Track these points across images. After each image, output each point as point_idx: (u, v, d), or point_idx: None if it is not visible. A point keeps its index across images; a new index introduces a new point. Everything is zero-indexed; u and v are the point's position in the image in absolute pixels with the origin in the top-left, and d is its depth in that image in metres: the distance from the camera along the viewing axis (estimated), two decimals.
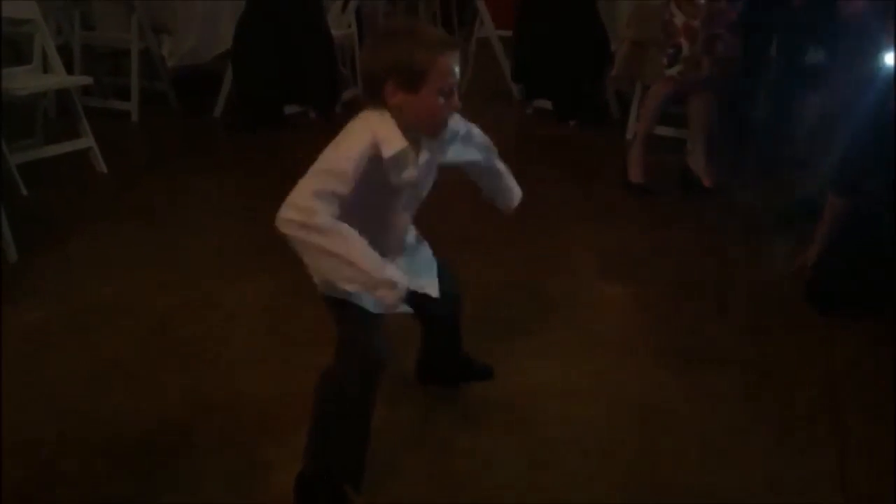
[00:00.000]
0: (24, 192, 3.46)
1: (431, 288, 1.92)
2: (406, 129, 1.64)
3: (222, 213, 3.53)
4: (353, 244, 1.55)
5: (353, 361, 1.74)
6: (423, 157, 1.73)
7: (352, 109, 5.40)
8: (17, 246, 2.91)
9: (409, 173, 1.69)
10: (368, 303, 1.73)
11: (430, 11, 7.39)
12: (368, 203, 1.65)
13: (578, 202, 3.81)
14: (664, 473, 2.01)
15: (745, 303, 2.91)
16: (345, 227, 1.56)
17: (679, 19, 3.61)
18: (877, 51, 3.06)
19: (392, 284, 1.57)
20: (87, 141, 3.79)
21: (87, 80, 4.10)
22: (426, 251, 1.98)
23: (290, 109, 4.73)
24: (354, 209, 1.60)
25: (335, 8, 5.02)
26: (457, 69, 1.64)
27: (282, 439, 2.01)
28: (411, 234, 1.92)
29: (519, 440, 2.11)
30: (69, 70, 4.08)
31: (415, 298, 1.82)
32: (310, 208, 1.55)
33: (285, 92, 4.67)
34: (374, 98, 1.64)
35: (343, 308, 1.75)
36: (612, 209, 3.75)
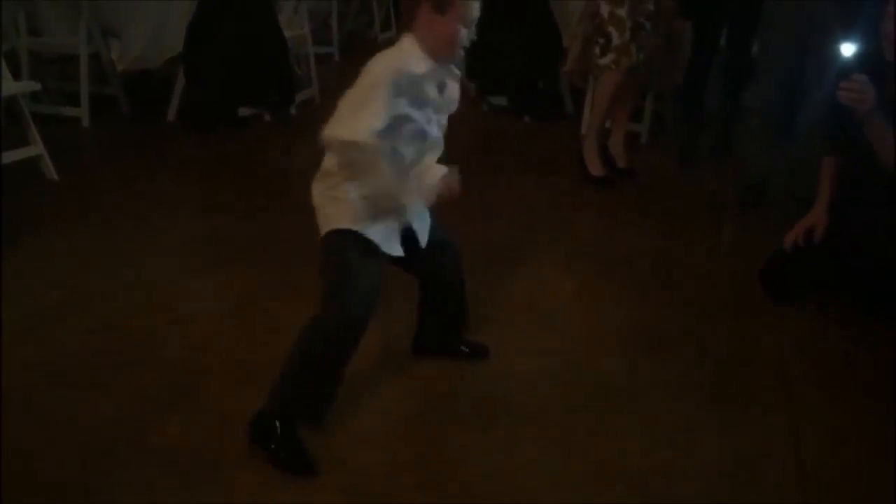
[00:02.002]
0: None
1: (423, 234, 2.06)
2: (429, 50, 1.89)
3: (176, 216, 3.49)
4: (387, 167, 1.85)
5: (333, 315, 1.90)
6: (451, 84, 2.00)
7: (307, 110, 5.42)
8: None
9: (435, 94, 1.94)
10: (375, 236, 1.91)
11: (382, 10, 7.39)
12: (410, 127, 1.90)
13: (535, 194, 3.85)
14: (624, 460, 2.05)
15: (700, 289, 2.97)
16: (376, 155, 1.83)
17: (605, 9, 3.73)
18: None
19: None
20: (36, 148, 3.72)
21: (34, 86, 4.03)
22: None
23: (244, 111, 4.69)
24: (402, 135, 1.88)
25: (287, 9, 4.99)
26: (477, 10, 1.92)
27: (240, 438, 2.00)
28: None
29: (476, 427, 2.13)
30: (16, 76, 4.00)
31: (423, 262, 2.07)
32: (363, 139, 1.78)
33: (239, 94, 4.63)
34: (409, 17, 1.89)
35: (337, 248, 1.91)
36: (568, 200, 3.80)
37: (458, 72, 2.05)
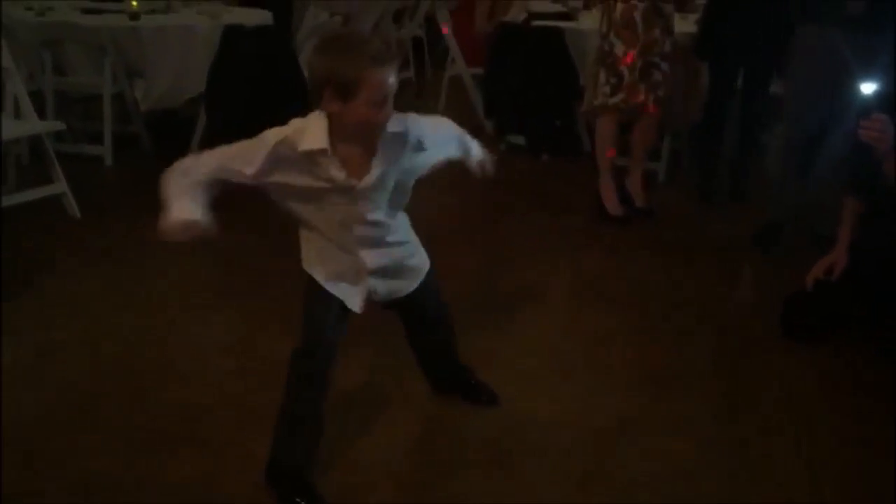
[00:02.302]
0: None
1: (404, 288, 2.05)
2: (345, 135, 1.76)
3: (193, 253, 3.51)
4: (182, 181, 1.89)
5: (297, 354, 1.92)
6: (376, 170, 1.83)
7: None
8: None
9: (337, 175, 1.79)
10: (342, 294, 1.91)
11: (401, 51, 7.48)
12: (314, 198, 1.83)
13: (552, 233, 3.85)
14: (640, 495, 2.01)
15: (716, 330, 2.94)
16: (194, 171, 1.89)
17: (619, 49, 3.74)
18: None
19: (175, 216, 1.85)
20: (59, 186, 3.78)
21: (59, 125, 4.10)
22: (413, 259, 2.06)
23: None
24: (309, 206, 1.85)
25: (307, 50, 5.07)
26: (391, 80, 1.72)
27: (249, 478, 1.99)
28: (393, 235, 1.98)
29: (493, 472, 2.11)
30: (41, 116, 4.08)
31: (399, 307, 2.05)
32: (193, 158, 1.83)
33: (258, 133, 4.68)
34: (318, 101, 1.76)
35: (308, 292, 1.92)
36: (585, 239, 3.79)
37: (414, 139, 1.87)
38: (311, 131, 1.76)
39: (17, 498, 1.95)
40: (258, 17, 4.97)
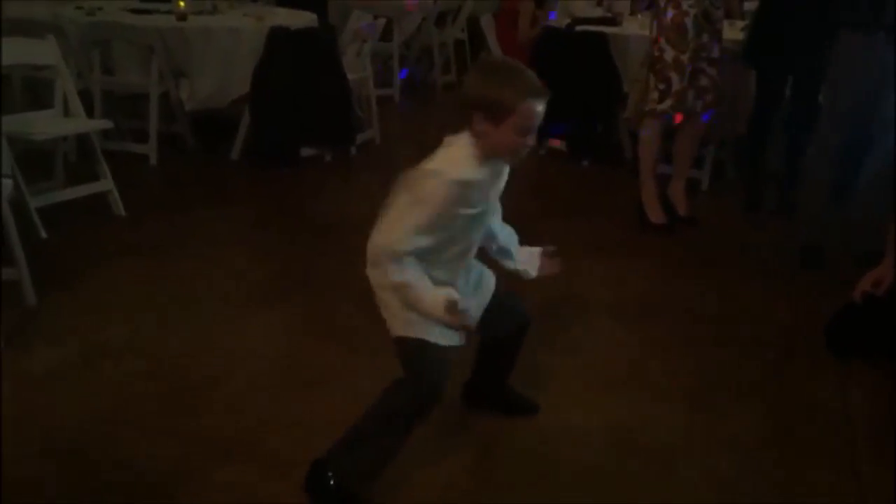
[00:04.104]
0: (44, 235, 3.49)
1: (482, 300, 2.07)
2: (485, 154, 1.84)
3: (233, 253, 3.55)
4: (423, 292, 1.84)
5: (418, 393, 1.90)
6: (499, 179, 1.96)
7: (367, 151, 5.49)
8: (35, 288, 2.93)
9: (482, 197, 1.89)
10: (444, 337, 1.91)
11: (442, 57, 7.48)
12: (455, 230, 1.87)
13: (592, 241, 3.81)
14: None
15: (760, 345, 2.88)
16: (415, 278, 1.84)
17: (669, 54, 3.70)
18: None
19: (453, 309, 1.84)
20: (106, 184, 3.84)
21: (107, 124, 4.16)
22: (479, 276, 2.10)
23: (306, 151, 4.78)
24: (442, 241, 1.85)
25: (351, 52, 5.10)
26: (540, 112, 1.83)
27: (289, 482, 1.99)
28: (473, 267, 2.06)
29: (529, 482, 2.09)
30: (89, 114, 4.15)
31: (488, 319, 2.05)
32: (401, 270, 1.83)
33: (302, 134, 4.72)
34: (465, 118, 1.83)
35: (418, 349, 1.90)
36: (626, 247, 3.75)
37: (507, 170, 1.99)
38: (460, 160, 1.83)
39: (62, 499, 1.98)
40: (304, 19, 5.01)
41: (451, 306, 1.84)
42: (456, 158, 1.83)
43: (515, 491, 2.07)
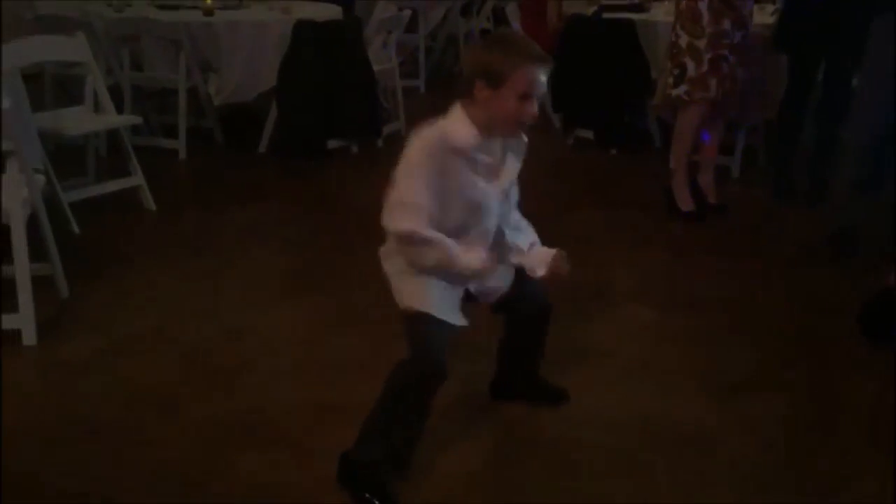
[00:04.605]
0: (76, 229, 3.54)
1: (502, 278, 2.09)
2: (486, 126, 1.86)
3: (260, 245, 3.57)
4: (446, 247, 1.87)
5: (417, 367, 1.91)
6: (511, 159, 1.97)
7: (393, 143, 5.50)
8: (67, 281, 2.97)
9: (486, 160, 1.89)
10: (444, 312, 1.93)
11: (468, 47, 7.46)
12: (465, 210, 1.90)
13: (620, 229, 3.79)
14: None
15: (790, 330, 2.85)
16: (438, 236, 1.87)
17: (683, 40, 3.67)
18: None
19: (479, 260, 1.89)
20: (136, 179, 3.88)
21: (136, 119, 4.21)
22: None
23: (332, 143, 4.79)
24: (451, 209, 1.88)
25: (377, 43, 5.09)
26: (542, 80, 1.84)
27: (318, 467, 2.00)
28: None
29: (554, 468, 2.09)
30: (119, 110, 4.19)
31: (506, 301, 2.08)
32: (412, 229, 1.85)
33: (328, 127, 4.73)
34: (466, 93, 1.85)
35: (419, 319, 1.93)
36: (654, 235, 3.72)
37: (524, 139, 2.01)
38: (457, 127, 1.86)
39: (89, 486, 2.01)
40: (329, 12, 5.01)
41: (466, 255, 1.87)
42: (446, 126, 1.87)
43: (541, 479, 2.06)
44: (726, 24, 3.65)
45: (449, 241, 1.89)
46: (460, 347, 2.31)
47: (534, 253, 2.10)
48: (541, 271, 2.07)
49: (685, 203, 3.89)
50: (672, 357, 2.67)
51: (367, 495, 1.92)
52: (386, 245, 2.00)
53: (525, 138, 2.01)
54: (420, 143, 1.87)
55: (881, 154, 3.44)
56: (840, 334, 2.79)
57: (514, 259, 2.10)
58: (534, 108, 1.86)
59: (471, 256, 1.90)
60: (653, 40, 4.67)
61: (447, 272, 1.93)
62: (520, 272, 2.11)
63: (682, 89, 3.73)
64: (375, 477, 1.94)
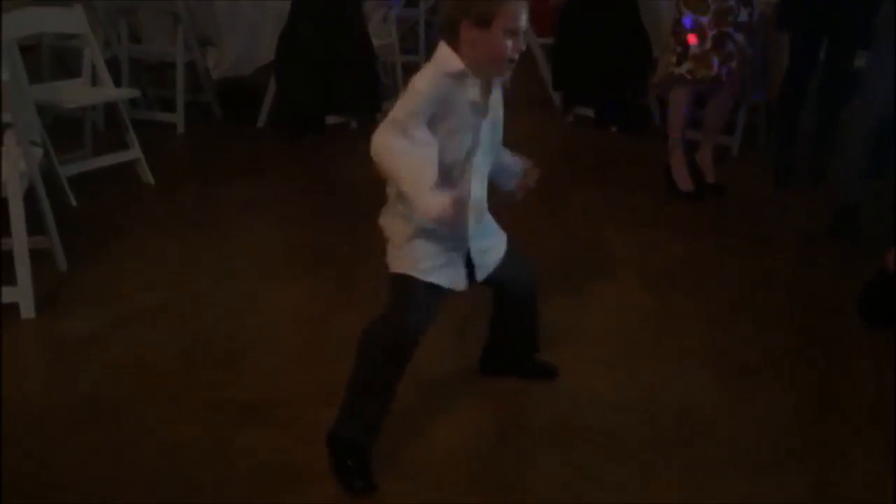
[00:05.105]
0: (74, 202, 3.53)
1: (497, 250, 2.09)
2: (475, 67, 1.87)
3: (259, 222, 3.56)
4: (422, 163, 1.82)
5: (389, 329, 1.92)
6: (496, 94, 1.96)
7: None
8: (65, 255, 2.97)
9: (474, 93, 1.89)
10: (437, 277, 1.94)
11: None
12: (453, 132, 1.89)
13: (618, 208, 3.78)
14: (708, 487, 1.98)
15: (793, 313, 2.85)
16: (424, 151, 1.83)
17: (687, 17, 3.62)
18: None
19: (438, 206, 1.77)
20: (134, 152, 3.86)
21: (134, 93, 4.18)
22: (494, 224, 2.12)
23: (332, 119, 4.77)
24: (442, 145, 1.86)
25: (376, 18, 5.05)
26: (524, 17, 1.86)
27: (318, 452, 2.00)
28: (481, 199, 2.04)
29: (553, 450, 2.09)
30: (117, 83, 4.16)
31: (496, 276, 2.06)
32: (387, 139, 1.85)
33: (327, 102, 4.71)
34: (452, 36, 1.87)
35: (402, 282, 1.93)
36: (653, 215, 3.72)
37: (507, 81, 2.02)
38: (447, 60, 1.88)
39: (91, 464, 2.02)
40: None
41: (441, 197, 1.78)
42: (437, 60, 1.89)
43: (531, 459, 2.07)
44: (731, 1, 3.62)
45: (423, 167, 1.83)
46: (447, 323, 2.33)
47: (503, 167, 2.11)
48: (508, 185, 2.11)
49: (684, 182, 3.88)
50: (671, 339, 2.67)
51: (346, 476, 1.91)
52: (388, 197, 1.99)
53: (508, 78, 2.00)
54: (421, 74, 1.89)
55: (884, 138, 3.43)
56: (841, 315, 2.79)
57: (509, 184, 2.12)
58: (521, 43, 1.88)
59: (432, 199, 1.78)
60: (655, 18, 4.63)
61: (441, 233, 1.91)
62: (509, 248, 2.12)
63: (684, 67, 3.71)
64: (353, 455, 1.93)
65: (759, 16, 3.80)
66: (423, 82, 1.87)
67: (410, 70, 5.85)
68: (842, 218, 3.45)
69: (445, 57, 1.88)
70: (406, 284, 1.94)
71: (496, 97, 1.98)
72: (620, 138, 4.83)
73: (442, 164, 1.87)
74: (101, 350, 2.50)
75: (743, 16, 3.68)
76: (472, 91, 1.90)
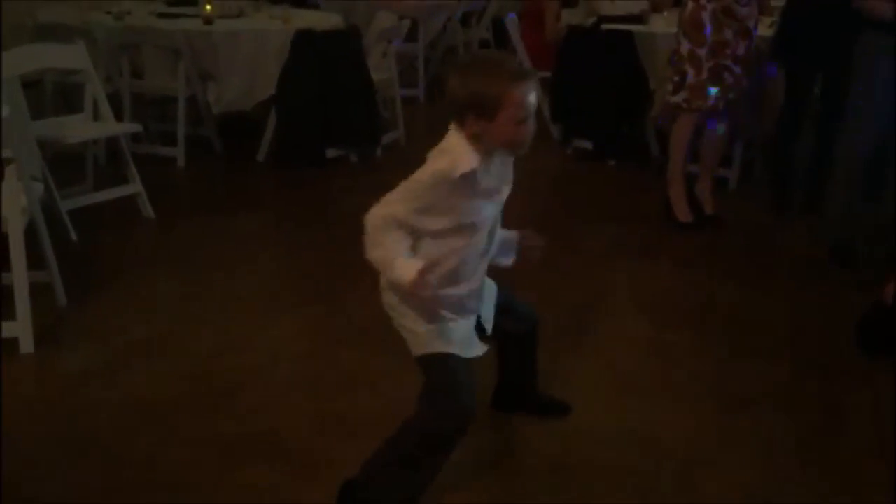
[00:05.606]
0: (74, 236, 3.54)
1: (490, 293, 2.02)
2: (486, 151, 1.79)
3: (259, 255, 3.57)
4: (391, 252, 1.79)
5: (450, 416, 1.84)
6: (505, 174, 1.89)
7: (392, 152, 5.49)
8: (65, 289, 2.97)
9: (490, 183, 1.83)
10: (472, 351, 1.90)
11: (468, 55, 7.48)
12: (461, 225, 1.82)
13: (618, 241, 3.79)
14: None
15: (787, 346, 2.85)
16: (393, 242, 1.80)
17: (685, 47, 3.70)
18: None
19: (410, 275, 1.73)
20: (135, 186, 3.88)
21: (136, 127, 4.20)
22: (490, 283, 2.05)
23: (332, 153, 4.79)
24: (448, 235, 1.82)
25: (376, 53, 5.11)
26: (532, 97, 1.76)
27: (317, 483, 1.99)
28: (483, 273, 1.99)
29: (554, 485, 2.08)
30: (118, 118, 4.19)
31: (496, 319, 2.01)
32: (376, 218, 1.81)
33: (327, 135, 4.74)
34: (459, 123, 1.79)
35: (442, 365, 1.87)
36: (653, 248, 3.72)
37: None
38: (460, 155, 1.78)
39: (88, 499, 2.00)
40: (329, 21, 5.02)
41: (421, 272, 1.73)
42: (450, 156, 1.79)
43: (536, 493, 2.06)
44: (728, 34, 3.68)
45: (398, 252, 1.80)
46: None
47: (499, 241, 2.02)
48: (507, 261, 2.03)
49: (683, 214, 3.90)
50: (671, 371, 2.66)
51: None
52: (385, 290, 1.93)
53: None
54: (431, 170, 1.81)
55: (879, 164, 3.45)
56: (840, 347, 2.78)
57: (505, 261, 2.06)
58: (532, 126, 1.79)
59: (405, 269, 1.75)
60: (651, 52, 4.68)
61: (455, 304, 1.88)
62: (500, 291, 2.07)
63: (681, 96, 3.76)
64: None
65: (754, 49, 3.85)
66: (429, 182, 1.79)
67: (409, 104, 5.94)
68: (839, 248, 3.47)
69: (457, 153, 1.78)
70: (447, 364, 1.87)
71: (506, 169, 1.90)
72: (619, 171, 4.86)
73: (459, 261, 1.84)
74: (99, 385, 2.49)
75: (741, 49, 3.73)
76: (485, 180, 1.82)
